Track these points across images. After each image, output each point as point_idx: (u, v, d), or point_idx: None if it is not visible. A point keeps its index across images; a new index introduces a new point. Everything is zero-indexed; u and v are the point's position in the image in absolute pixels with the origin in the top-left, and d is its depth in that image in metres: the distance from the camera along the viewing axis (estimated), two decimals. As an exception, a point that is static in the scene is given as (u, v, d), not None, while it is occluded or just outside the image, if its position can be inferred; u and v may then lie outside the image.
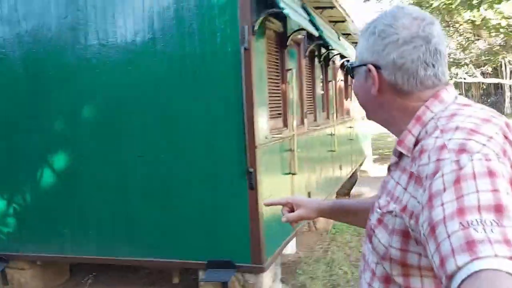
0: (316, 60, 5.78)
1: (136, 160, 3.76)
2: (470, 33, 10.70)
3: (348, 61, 6.87)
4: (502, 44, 11.76)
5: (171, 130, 3.67)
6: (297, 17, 3.62)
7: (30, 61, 3.92)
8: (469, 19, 7.20)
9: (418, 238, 0.84)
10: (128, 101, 3.74)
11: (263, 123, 3.68)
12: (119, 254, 3.88)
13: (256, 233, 3.56)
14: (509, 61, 21.95)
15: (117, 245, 3.90)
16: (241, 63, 3.39)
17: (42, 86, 3.90)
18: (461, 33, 12.58)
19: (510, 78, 27.09)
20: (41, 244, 4.05)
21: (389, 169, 1.05)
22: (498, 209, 0.71)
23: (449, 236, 0.71)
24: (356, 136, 8.86)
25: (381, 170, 11.61)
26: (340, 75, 7.79)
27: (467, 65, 19.24)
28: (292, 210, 1.43)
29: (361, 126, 10.10)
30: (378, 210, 0.97)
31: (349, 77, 8.51)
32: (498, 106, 30.24)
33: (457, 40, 15.60)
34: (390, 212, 0.92)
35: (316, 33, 4.31)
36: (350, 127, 8.25)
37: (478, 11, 6.03)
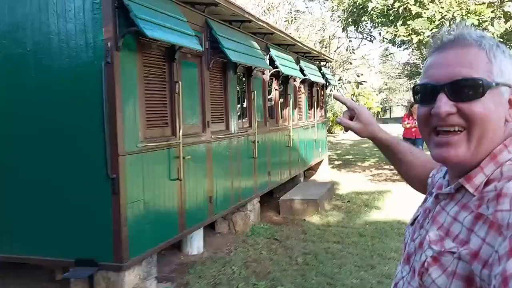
0: (231, 71, 6.05)
1: (17, 164, 4.07)
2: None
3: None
4: None
5: (47, 137, 3.97)
6: (165, 34, 3.89)
7: None
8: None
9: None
10: (3, 108, 4.06)
11: (133, 132, 3.96)
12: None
13: (118, 234, 3.84)
14: None
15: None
16: (103, 77, 3.68)
17: None
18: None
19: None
20: None
21: (435, 196, 0.99)
22: None
23: None
24: (297, 144, 9.12)
25: (335, 175, 11.92)
26: (276, 86, 8.08)
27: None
28: (352, 117, 1.37)
29: (310, 134, 10.38)
30: (433, 246, 0.89)
31: (292, 86, 8.82)
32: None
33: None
34: (451, 252, 0.85)
35: (199, 48, 4.57)
36: (288, 135, 8.52)
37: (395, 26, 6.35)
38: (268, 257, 5.56)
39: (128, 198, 3.91)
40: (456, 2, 6.46)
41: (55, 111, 3.92)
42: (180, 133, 4.60)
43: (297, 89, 9.22)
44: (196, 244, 5.67)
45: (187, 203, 4.87)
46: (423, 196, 1.19)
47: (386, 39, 8.50)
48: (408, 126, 9.86)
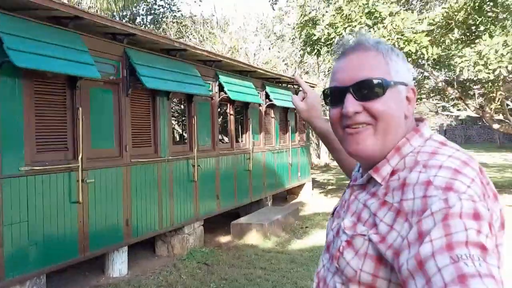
0: (162, 98, 6.22)
1: None
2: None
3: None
4: None
5: None
6: (41, 63, 4.11)
7: None
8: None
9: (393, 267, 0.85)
10: None
11: (13, 157, 4.15)
12: None
13: (-8, 254, 4.00)
14: None
15: None
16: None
17: None
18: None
19: None
20: None
21: (350, 187, 1.08)
22: (483, 247, 0.75)
23: (439, 270, 0.73)
24: (261, 168, 9.14)
25: (318, 199, 11.79)
26: (231, 110, 8.20)
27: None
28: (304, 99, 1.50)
29: (283, 158, 10.37)
30: (347, 231, 0.97)
31: (257, 111, 8.93)
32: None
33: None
34: (362, 235, 0.93)
35: (95, 75, 4.76)
36: (248, 159, 8.56)
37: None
38: (184, 282, 5.58)
39: (6, 219, 4.08)
40: (394, 30, 6.45)
41: None
42: (80, 157, 4.76)
43: (263, 113, 9.29)
44: (118, 266, 5.76)
45: (91, 226, 5.00)
46: None
47: None
48: None
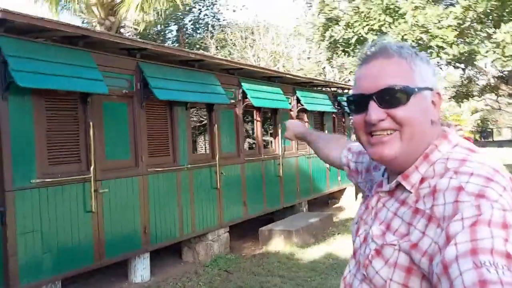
0: (180, 108, 6.38)
1: None
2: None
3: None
4: None
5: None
6: (45, 82, 4.37)
7: None
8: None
9: (426, 276, 0.86)
10: None
11: (25, 170, 4.45)
12: None
13: (6, 262, 4.30)
14: None
15: None
16: (-8, 123, 4.25)
17: None
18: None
19: None
20: None
21: (376, 193, 1.07)
22: (508, 256, 0.75)
23: (461, 274, 0.74)
24: (293, 173, 9.07)
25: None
26: (257, 117, 8.23)
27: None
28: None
29: (319, 163, 10.22)
30: (376, 240, 0.98)
31: (287, 115, 8.88)
32: None
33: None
34: (392, 244, 0.93)
35: (103, 91, 4.97)
36: (278, 165, 8.54)
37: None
38: (201, 288, 5.67)
39: (19, 229, 4.37)
40: (416, 25, 6.17)
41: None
42: (92, 168, 4.99)
43: (294, 118, 9.21)
44: (140, 272, 5.96)
45: (107, 233, 5.22)
46: None
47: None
48: None
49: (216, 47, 16.79)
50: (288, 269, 6.28)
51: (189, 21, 18.75)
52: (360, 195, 12.59)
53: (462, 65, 8.26)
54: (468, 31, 6.42)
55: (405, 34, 6.15)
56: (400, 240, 0.91)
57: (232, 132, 7.51)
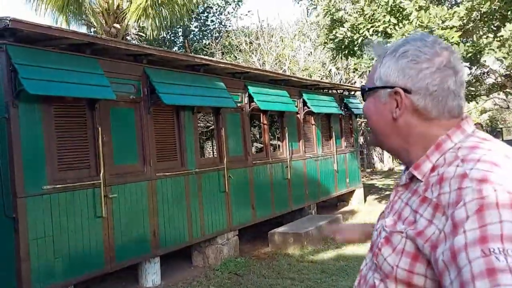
0: (187, 112, 6.43)
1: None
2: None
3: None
4: None
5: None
6: (53, 89, 4.44)
7: None
8: None
9: (430, 262, 0.87)
10: None
11: (36, 176, 4.51)
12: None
13: (19, 267, 4.35)
14: None
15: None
16: (3, 131, 4.32)
17: None
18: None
19: None
20: None
21: (395, 189, 1.10)
22: None
23: (470, 262, 0.74)
24: (301, 176, 9.08)
25: (369, 206, 11.41)
26: (264, 120, 8.26)
27: None
28: None
29: (327, 166, 10.22)
30: (386, 229, 1.00)
31: (294, 118, 8.90)
32: None
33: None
34: (400, 232, 0.95)
35: (112, 96, 5.03)
36: (286, 168, 8.54)
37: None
38: (211, 292, 5.69)
39: (30, 235, 4.42)
40: (420, 25, 6.17)
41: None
42: (102, 174, 5.04)
43: (301, 121, 9.24)
44: (150, 276, 5.99)
45: (117, 238, 5.26)
46: None
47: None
48: None
49: (222, 52, 16.87)
50: (298, 271, 6.28)
51: (195, 27, 18.89)
52: (369, 197, 12.55)
53: (468, 64, 8.22)
54: (472, 31, 6.41)
55: (409, 34, 6.14)
56: (408, 228, 0.93)
57: (239, 135, 7.54)
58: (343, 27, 7.07)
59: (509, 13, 6.13)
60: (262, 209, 7.89)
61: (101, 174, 5.05)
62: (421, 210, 0.92)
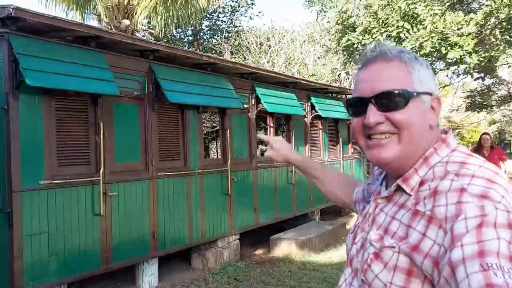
0: (192, 111, 6.29)
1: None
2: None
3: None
4: None
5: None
6: (55, 82, 4.30)
7: None
8: None
9: (428, 277, 0.86)
10: None
11: (33, 171, 4.37)
12: None
13: (11, 263, 4.21)
14: None
15: None
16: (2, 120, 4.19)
17: None
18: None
19: None
20: None
21: (374, 201, 1.06)
22: None
23: (468, 276, 0.74)
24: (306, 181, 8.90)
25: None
26: (271, 123, 8.10)
27: None
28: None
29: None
30: (374, 244, 0.96)
31: (301, 122, 8.71)
32: None
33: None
34: (391, 247, 0.92)
35: (115, 91, 4.89)
36: (291, 172, 8.38)
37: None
38: (208, 296, 5.53)
39: (25, 231, 4.29)
40: (435, 31, 6.00)
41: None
42: (101, 171, 4.90)
43: (308, 125, 9.07)
44: (148, 278, 5.84)
45: (115, 238, 5.12)
46: None
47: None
48: None
49: (231, 52, 16.73)
50: (298, 279, 6.11)
51: (206, 26, 18.77)
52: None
53: (481, 74, 8.04)
54: (488, 38, 6.23)
55: (424, 41, 5.98)
56: (399, 243, 0.90)
57: (245, 137, 7.38)
58: (355, 31, 6.91)
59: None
60: (265, 213, 7.72)
61: (101, 171, 4.91)
62: (413, 224, 0.89)
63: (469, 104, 12.62)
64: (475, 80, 8.84)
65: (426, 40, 5.80)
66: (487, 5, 5.62)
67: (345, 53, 7.60)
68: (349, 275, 1.06)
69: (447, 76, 10.17)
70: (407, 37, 6.04)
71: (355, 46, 6.87)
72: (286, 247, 7.38)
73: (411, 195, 0.95)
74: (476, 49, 5.84)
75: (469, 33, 6.00)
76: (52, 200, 4.54)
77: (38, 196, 4.42)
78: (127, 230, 5.29)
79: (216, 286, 5.93)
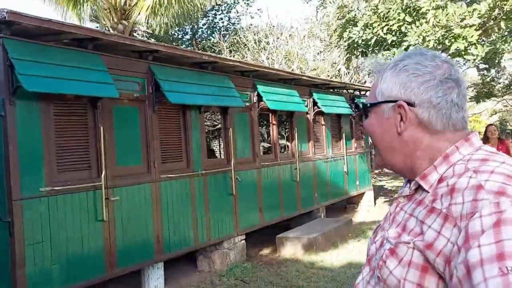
0: (194, 111, 6.18)
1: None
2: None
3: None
4: None
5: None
6: (51, 87, 4.20)
7: None
8: None
9: (442, 275, 0.84)
10: None
11: (33, 178, 4.27)
12: None
13: (13, 273, 4.12)
14: None
15: None
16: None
17: None
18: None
19: None
20: None
21: (396, 200, 1.07)
22: None
23: (485, 280, 0.71)
24: (310, 178, 8.81)
25: (381, 209, 11.13)
26: (273, 120, 8.00)
27: None
28: None
29: (337, 167, 9.94)
30: (391, 240, 0.96)
31: (304, 119, 8.62)
32: None
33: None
34: (407, 243, 0.91)
35: (115, 94, 4.78)
36: (295, 169, 8.28)
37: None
38: (216, 299, 5.44)
39: (27, 240, 4.19)
40: (438, 25, 5.87)
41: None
42: (103, 175, 4.80)
43: (311, 121, 8.96)
44: (153, 282, 5.75)
45: (119, 243, 5.02)
46: None
47: None
48: None
49: (230, 50, 16.61)
50: (307, 278, 6.02)
51: (203, 24, 18.63)
52: (378, 200, 12.25)
53: (486, 65, 7.92)
54: (492, 29, 6.11)
55: (427, 35, 5.85)
56: (415, 239, 0.89)
57: (247, 136, 7.28)
58: (357, 26, 6.78)
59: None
60: (270, 212, 7.62)
61: (102, 176, 4.81)
62: (428, 221, 0.88)
63: (476, 94, 12.46)
64: (480, 71, 8.73)
65: (429, 35, 5.67)
66: (491, -3, 5.53)
67: (347, 47, 7.47)
68: (367, 274, 1.05)
69: None
70: (409, 31, 5.92)
71: (357, 42, 6.74)
72: (292, 246, 7.28)
73: (429, 192, 0.94)
74: (480, 40, 5.73)
75: (473, 25, 5.87)
76: (53, 207, 4.44)
77: (39, 204, 4.32)
78: (131, 235, 5.19)
79: (223, 288, 5.84)
